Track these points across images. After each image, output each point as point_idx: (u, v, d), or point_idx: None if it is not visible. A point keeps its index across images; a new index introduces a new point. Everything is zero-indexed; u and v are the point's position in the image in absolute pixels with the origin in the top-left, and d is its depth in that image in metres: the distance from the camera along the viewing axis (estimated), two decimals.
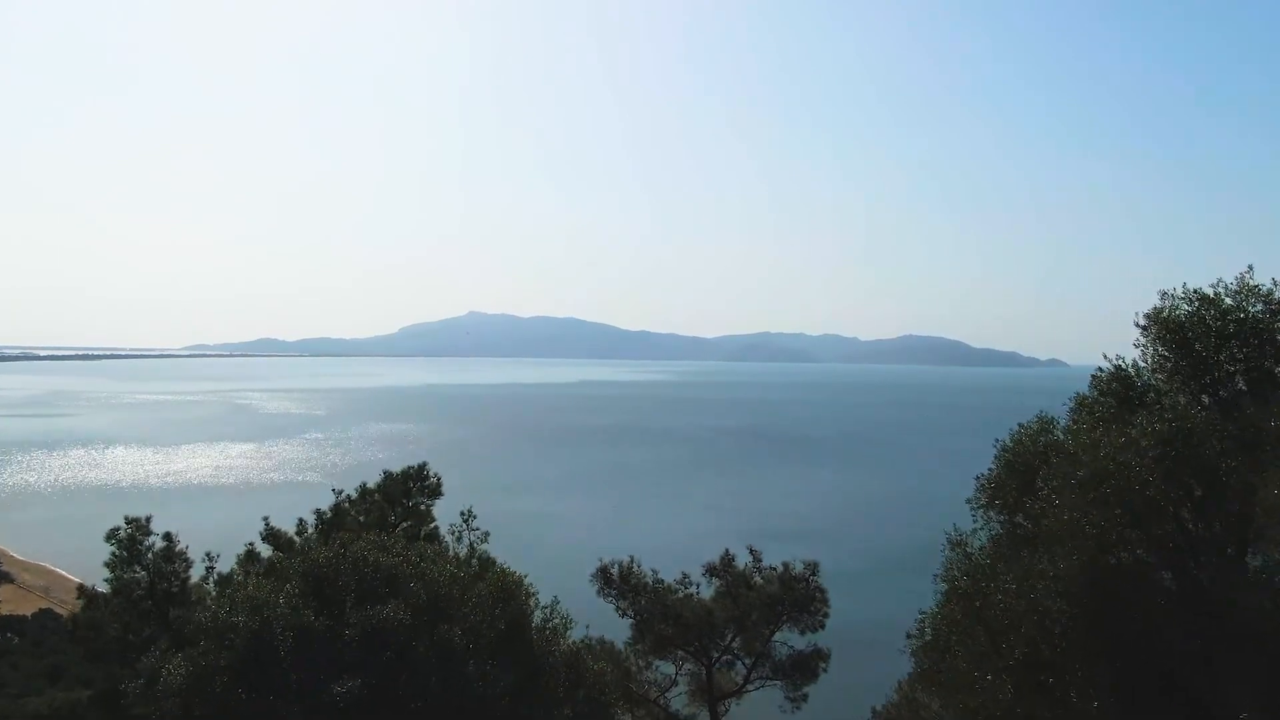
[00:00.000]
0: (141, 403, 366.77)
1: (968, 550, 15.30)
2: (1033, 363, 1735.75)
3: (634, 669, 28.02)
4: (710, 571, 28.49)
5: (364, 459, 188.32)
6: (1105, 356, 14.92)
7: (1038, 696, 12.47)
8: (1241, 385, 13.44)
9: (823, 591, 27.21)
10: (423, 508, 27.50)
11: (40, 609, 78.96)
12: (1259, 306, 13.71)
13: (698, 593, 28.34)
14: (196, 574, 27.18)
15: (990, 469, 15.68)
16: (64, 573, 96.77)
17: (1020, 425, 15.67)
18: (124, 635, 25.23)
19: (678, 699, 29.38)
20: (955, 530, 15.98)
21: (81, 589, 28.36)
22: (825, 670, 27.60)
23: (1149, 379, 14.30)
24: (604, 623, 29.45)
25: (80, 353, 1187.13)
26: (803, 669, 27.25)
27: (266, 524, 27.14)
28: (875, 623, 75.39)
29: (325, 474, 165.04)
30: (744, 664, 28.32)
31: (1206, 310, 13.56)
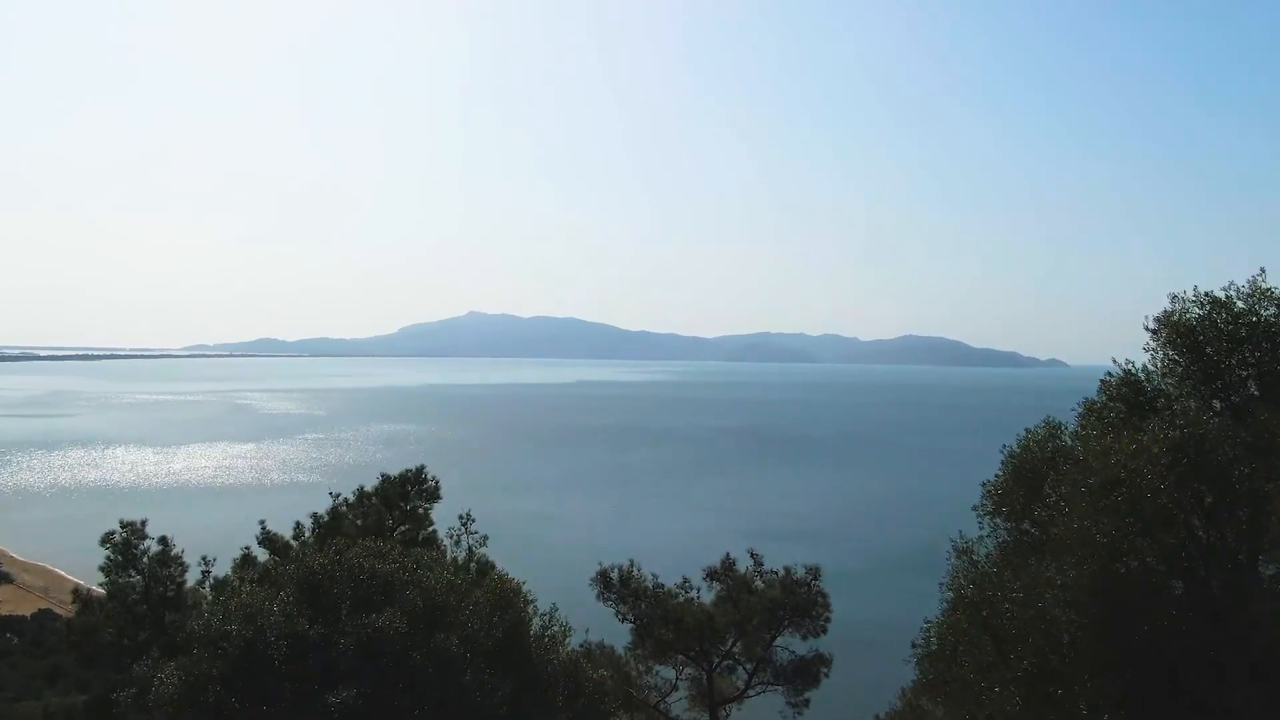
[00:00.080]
0: (141, 403, 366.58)
1: (974, 558, 15.04)
2: (1033, 363, 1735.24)
3: (634, 674, 27.77)
4: (711, 575, 28.23)
5: (364, 459, 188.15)
6: (1114, 361, 14.66)
7: (1046, 708, 12.21)
8: (1254, 390, 13.18)
9: (825, 596, 26.96)
10: (421, 511, 27.24)
11: (39, 609, 78.86)
12: (1271, 310, 13.42)
13: (698, 597, 28.07)
14: (193, 578, 26.95)
15: (997, 475, 15.40)
16: (63, 573, 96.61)
17: (1027, 430, 15.39)
18: (119, 640, 24.99)
19: (678, 704, 29.14)
20: (961, 537, 15.70)
21: (76, 593, 28.12)
22: (827, 675, 27.36)
23: (1159, 383, 14.05)
24: (604, 627, 29.22)
25: (80, 353, 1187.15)
26: (804, 674, 26.99)
27: (263, 527, 26.88)
28: (876, 623, 75.31)
29: (325, 474, 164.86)
30: (745, 669, 28.07)
31: (1218, 313, 13.29)
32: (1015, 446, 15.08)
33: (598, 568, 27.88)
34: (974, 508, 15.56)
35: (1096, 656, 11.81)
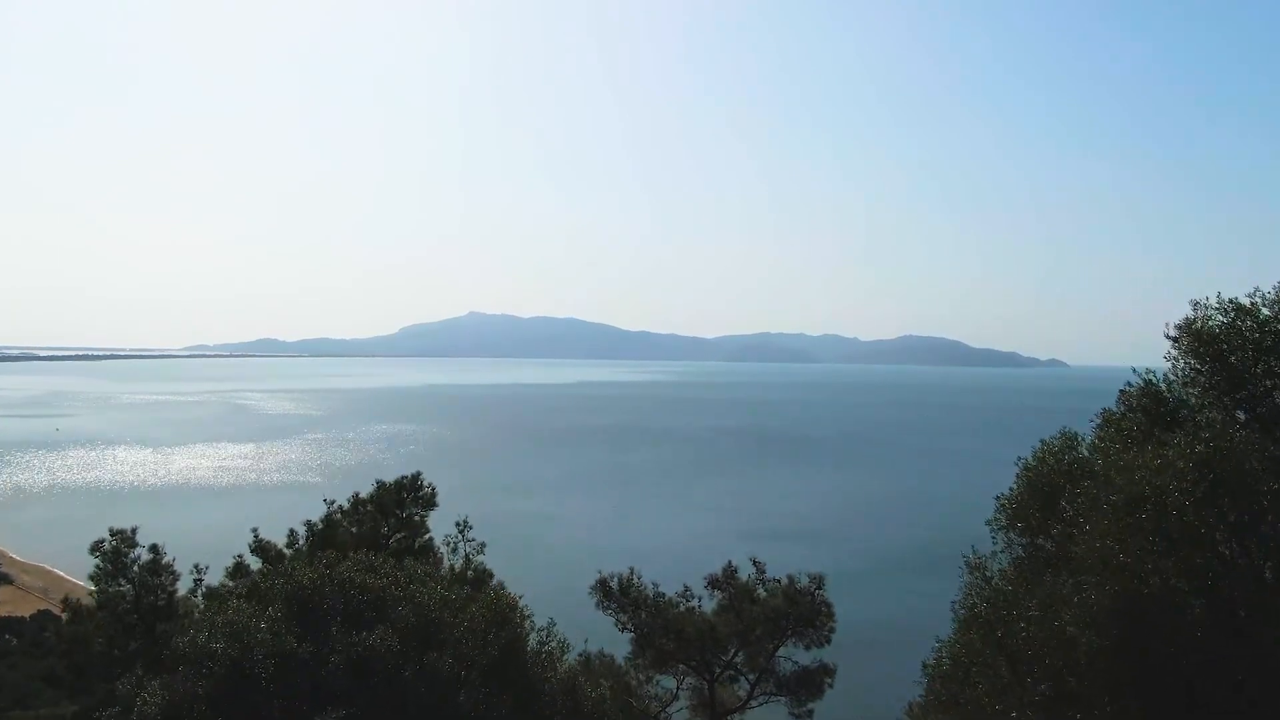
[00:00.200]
0: (141, 403, 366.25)
1: (987, 574, 14.54)
2: (1033, 363, 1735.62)
3: (635, 683, 27.27)
4: (712, 584, 27.72)
5: (364, 460, 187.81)
6: (1134, 370, 14.14)
7: None
8: None
9: (829, 606, 26.45)
10: (417, 518, 26.76)
11: (39, 610, 78.59)
12: None
13: (699, 606, 27.57)
14: (185, 585, 26.48)
15: (1011, 488, 14.89)
16: (62, 574, 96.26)
17: (1043, 441, 14.88)
18: (109, 650, 24.53)
19: (679, 714, 28.63)
20: (974, 553, 15.21)
21: (66, 601, 27.63)
22: (831, 686, 26.86)
23: (1180, 393, 13.55)
24: (604, 634, 28.74)
25: (80, 353, 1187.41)
26: (808, 685, 26.48)
27: (255, 536, 26.37)
28: (876, 623, 74.94)
29: (324, 475, 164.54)
30: (747, 679, 27.57)
31: (1242, 321, 12.80)
32: (1030, 459, 14.58)
33: (597, 576, 27.36)
34: (988, 522, 15.04)
35: (1116, 677, 11.32)
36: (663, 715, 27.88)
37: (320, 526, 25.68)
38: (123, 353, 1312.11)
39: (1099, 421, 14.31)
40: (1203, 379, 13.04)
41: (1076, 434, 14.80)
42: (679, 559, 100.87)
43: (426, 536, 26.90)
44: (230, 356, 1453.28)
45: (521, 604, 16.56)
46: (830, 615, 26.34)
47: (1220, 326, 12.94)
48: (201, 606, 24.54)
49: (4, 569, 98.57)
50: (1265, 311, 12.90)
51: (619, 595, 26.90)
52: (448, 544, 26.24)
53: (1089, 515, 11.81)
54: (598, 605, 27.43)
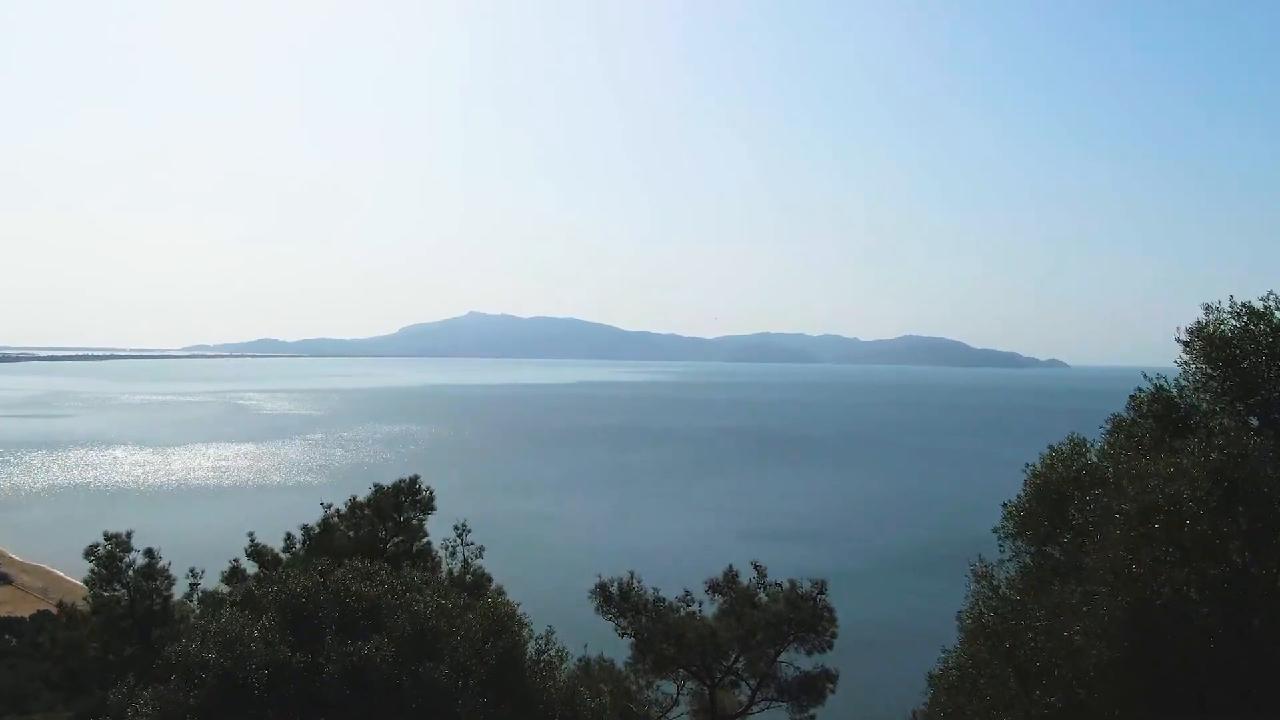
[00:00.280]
0: (141, 403, 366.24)
1: (994, 583, 14.29)
2: (1033, 363, 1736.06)
3: (634, 688, 27.04)
4: (713, 588, 27.48)
5: (363, 460, 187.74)
6: (1145, 375, 13.89)
7: None
8: None
9: (831, 611, 26.20)
10: (414, 522, 26.51)
11: (38, 610, 78.56)
12: None
13: (700, 611, 27.33)
14: (181, 590, 26.25)
15: (1019, 495, 14.64)
16: (62, 574, 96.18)
17: (1050, 448, 14.63)
18: (104, 655, 24.30)
19: (680, 719, 28.43)
20: (981, 561, 14.97)
21: (61, 606, 27.40)
22: (833, 692, 26.64)
23: (1192, 399, 13.31)
24: (604, 637, 28.53)
25: (80, 353, 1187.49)
26: (809, 691, 26.24)
27: (252, 540, 26.11)
28: (876, 623, 74.84)
29: (324, 476, 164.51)
30: (749, 685, 27.34)
31: (1255, 325, 12.55)
32: (1039, 465, 14.32)
33: (597, 580, 27.13)
34: (995, 530, 14.80)
35: (1128, 688, 11.07)
36: None
37: (317, 531, 25.43)
38: (122, 353, 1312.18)
39: (1108, 427, 14.07)
40: (1215, 384, 12.79)
41: (1085, 440, 14.55)
42: (679, 559, 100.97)
43: (424, 540, 26.65)
44: (230, 357, 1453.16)
45: (520, 611, 16.33)
46: (832, 620, 26.09)
47: (1233, 331, 12.69)
48: (197, 611, 24.32)
49: (3, 569, 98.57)
50: (1279, 315, 12.65)
51: (619, 600, 26.66)
52: (446, 548, 26.00)
53: (1100, 525, 11.57)
54: (597, 610, 27.20)
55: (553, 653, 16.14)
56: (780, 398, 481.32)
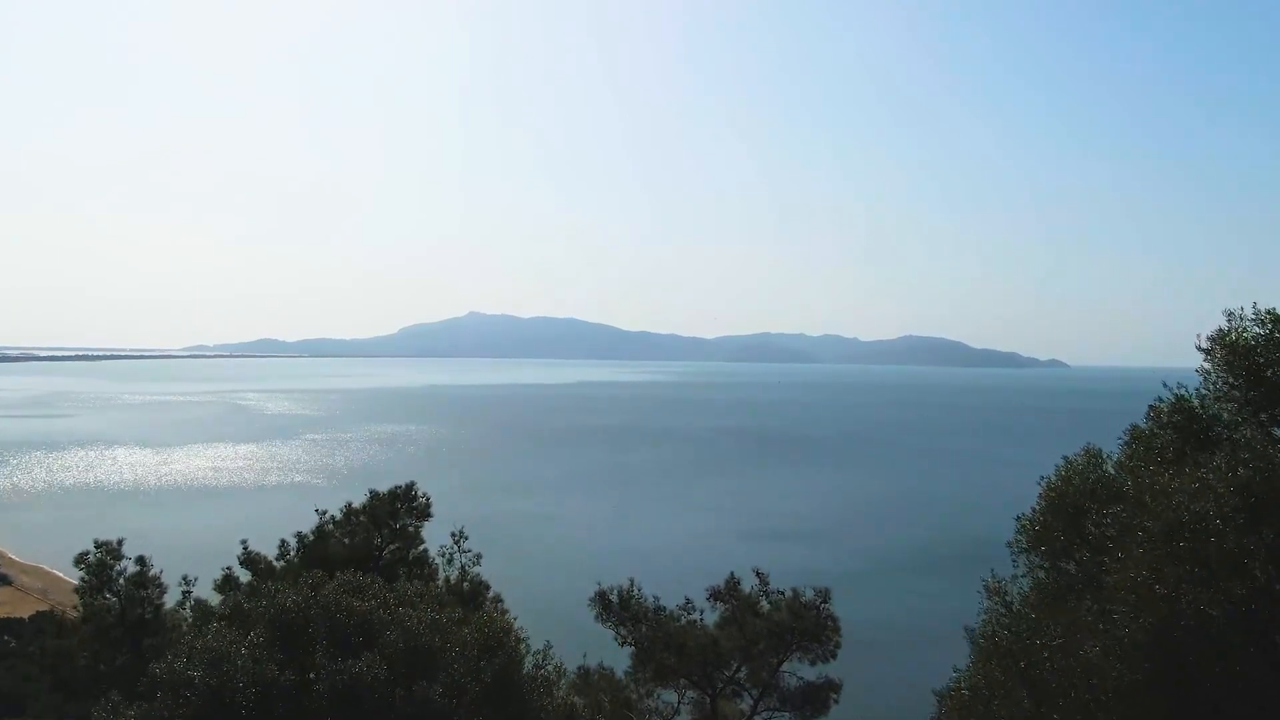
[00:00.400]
0: (141, 403, 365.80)
1: (1007, 599, 13.83)
2: (1033, 363, 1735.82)
3: (634, 697, 26.63)
4: (715, 596, 27.03)
5: (363, 461, 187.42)
6: (1164, 385, 13.42)
7: None
8: None
9: (835, 620, 25.74)
10: (411, 529, 26.05)
11: (38, 611, 78.31)
12: None
13: (701, 619, 26.88)
14: (174, 597, 25.80)
15: (1033, 508, 14.19)
16: (62, 575, 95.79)
17: (1066, 459, 14.18)
18: (95, 665, 23.87)
19: None
20: (993, 577, 14.52)
21: (52, 614, 26.98)
22: (837, 701, 26.21)
23: (1213, 409, 12.85)
24: (604, 642, 28.12)
25: (80, 353, 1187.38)
26: (813, 701, 25.80)
27: (245, 548, 25.65)
28: (877, 624, 74.51)
29: (324, 476, 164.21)
30: (750, 695, 26.91)
31: (1279, 332, 12.08)
32: (1054, 478, 13.85)
33: (597, 588, 26.69)
34: (1008, 544, 14.35)
35: (1148, 710, 10.63)
36: None
37: (311, 538, 24.98)
38: (122, 353, 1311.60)
39: (1126, 438, 13.61)
40: (1238, 394, 12.33)
41: (1100, 450, 14.10)
42: (679, 560, 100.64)
43: (421, 548, 26.18)
44: (230, 357, 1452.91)
45: (517, 623, 15.89)
46: (836, 630, 25.64)
47: (1256, 339, 12.24)
48: (190, 619, 23.90)
49: (3, 570, 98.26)
50: None
51: (619, 609, 26.22)
52: (443, 555, 25.57)
53: (1121, 542, 11.11)
54: (597, 618, 26.76)
55: (550, 668, 15.70)
56: (780, 398, 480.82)
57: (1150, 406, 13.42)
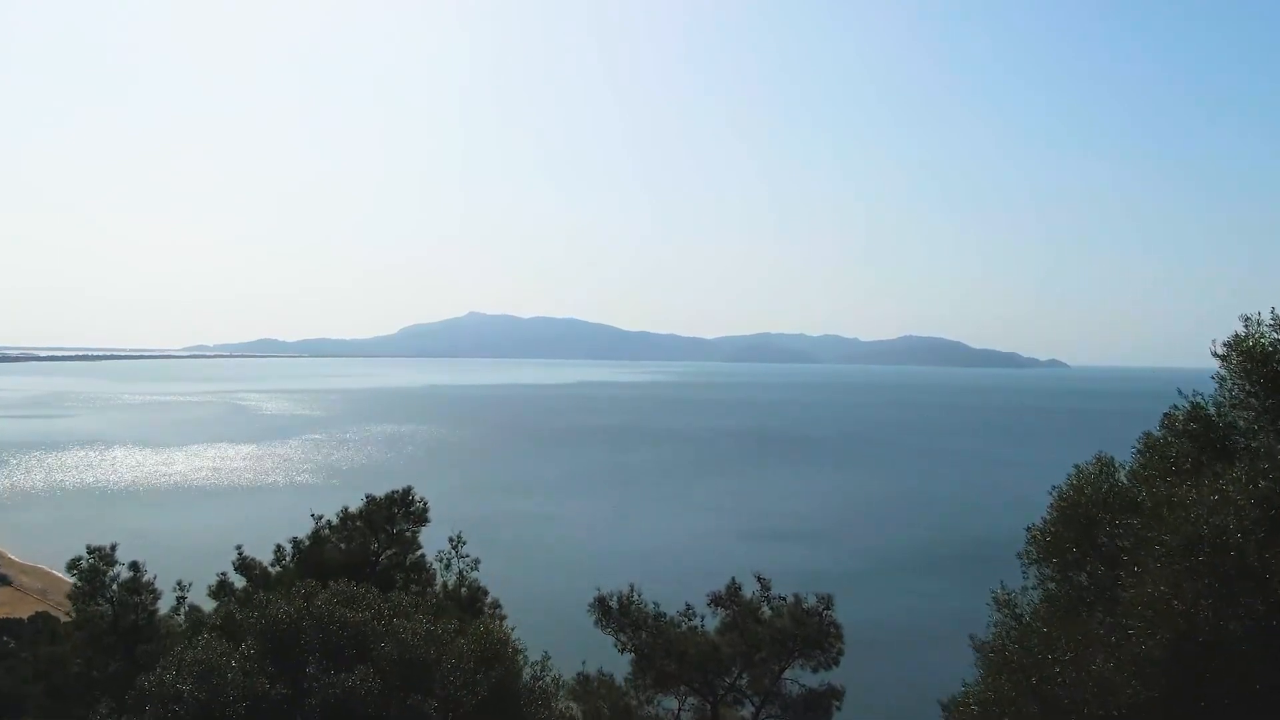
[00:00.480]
0: (141, 403, 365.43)
1: (1017, 611, 13.48)
2: (1033, 363, 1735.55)
3: (634, 704, 26.30)
4: (715, 601, 26.68)
5: (363, 461, 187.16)
6: (1180, 393, 13.08)
7: None
8: None
9: (838, 627, 25.39)
10: (408, 534, 25.71)
11: (37, 611, 78.09)
12: None
13: (702, 625, 26.54)
14: (168, 603, 25.48)
15: (1043, 518, 13.83)
16: (61, 575, 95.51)
17: (1077, 467, 13.81)
18: (87, 672, 23.54)
19: None
20: (1003, 589, 14.16)
21: (50, 616, 26.67)
22: (839, 709, 25.87)
23: (1229, 416, 12.50)
24: (603, 648, 27.80)
25: (80, 353, 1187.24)
26: (815, 708, 25.43)
27: (240, 553, 25.31)
28: (877, 624, 74.24)
29: (324, 476, 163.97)
30: (752, 702, 26.58)
31: None
32: (1065, 487, 13.48)
33: (596, 594, 26.34)
34: (1018, 555, 14.00)
35: None
36: None
37: (307, 544, 24.64)
38: (122, 353, 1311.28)
39: (1139, 447, 13.24)
40: (1255, 402, 11.98)
41: (1112, 459, 13.73)
42: (679, 560, 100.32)
43: (418, 553, 25.84)
44: (230, 357, 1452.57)
45: (515, 633, 15.55)
46: (839, 637, 25.29)
47: (1274, 344, 11.88)
48: (184, 625, 23.60)
49: (2, 570, 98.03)
50: None
51: (618, 615, 25.88)
52: (441, 560, 25.24)
53: (1137, 555, 10.76)
54: (596, 624, 26.42)
55: (548, 680, 15.35)
56: (780, 398, 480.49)
57: (1165, 414, 13.06)
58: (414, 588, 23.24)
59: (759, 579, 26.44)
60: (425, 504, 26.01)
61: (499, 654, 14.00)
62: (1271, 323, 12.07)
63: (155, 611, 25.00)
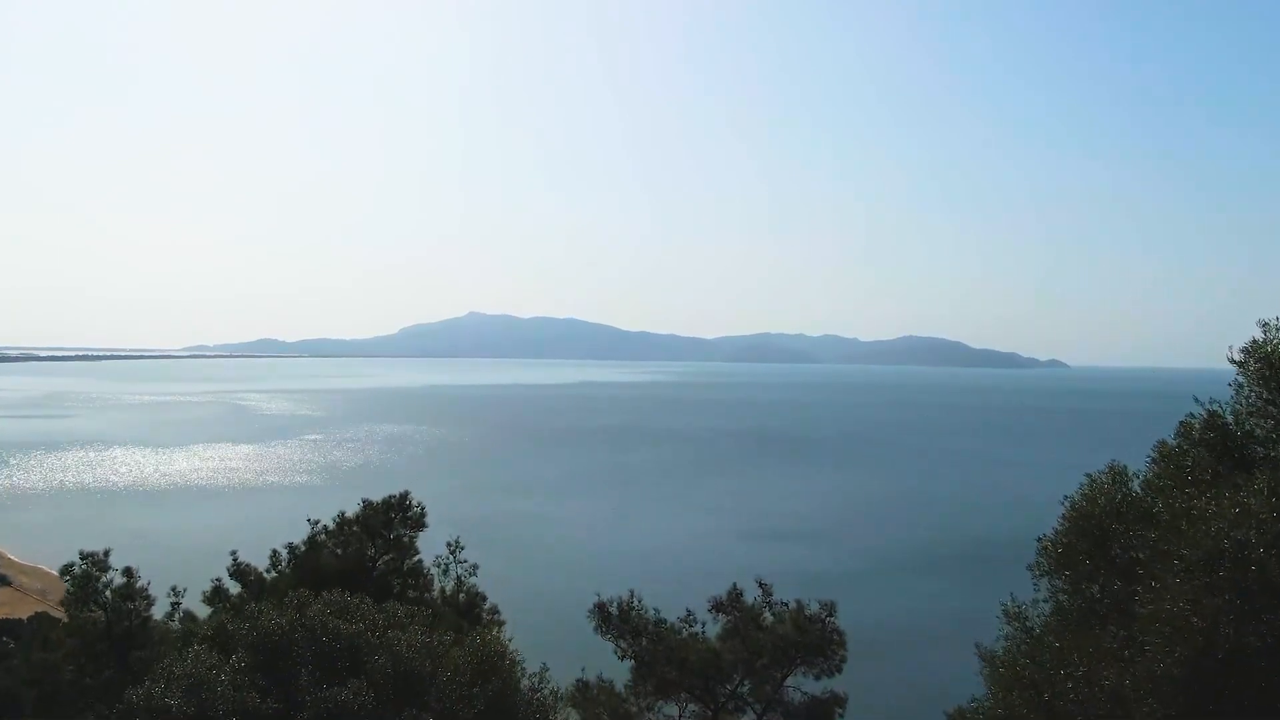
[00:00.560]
0: (141, 404, 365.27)
1: (1028, 624, 13.16)
2: (1032, 363, 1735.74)
3: (634, 711, 26.00)
4: (717, 607, 26.38)
5: (363, 461, 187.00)
6: (1196, 400, 12.75)
7: None
8: None
9: (840, 634, 25.08)
10: (405, 539, 25.41)
11: (37, 612, 77.78)
12: None
13: (703, 632, 26.23)
14: (162, 609, 25.19)
15: (1055, 529, 13.49)
16: None
17: (1089, 476, 13.48)
18: (80, 678, 23.24)
19: None
20: (1013, 601, 13.83)
21: (39, 621, 26.38)
22: (842, 715, 25.56)
23: (1247, 424, 12.17)
24: (603, 652, 27.52)
25: (80, 353, 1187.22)
26: (817, 715, 25.11)
27: (234, 559, 25.00)
28: (877, 624, 73.96)
29: (324, 476, 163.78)
30: (754, 709, 26.28)
31: None
32: (1078, 497, 13.14)
33: (595, 600, 26.04)
34: (1029, 567, 13.67)
35: None
36: None
37: (303, 549, 24.33)
38: (122, 353, 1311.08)
39: (1154, 455, 12.90)
40: (1274, 410, 11.65)
41: (1125, 468, 13.38)
42: (679, 560, 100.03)
43: (416, 558, 25.54)
44: (230, 357, 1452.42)
45: (512, 646, 15.23)
46: (842, 644, 24.98)
47: None
48: (178, 630, 23.30)
49: (2, 570, 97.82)
50: None
51: (618, 622, 25.57)
52: (438, 565, 24.94)
53: (1153, 569, 10.44)
54: (596, 630, 26.12)
55: (546, 692, 15.04)
56: (780, 398, 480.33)
57: (1181, 423, 12.72)
58: (411, 594, 22.93)
59: (760, 584, 26.14)
60: (423, 509, 25.71)
61: (496, 666, 13.69)
62: None
63: (149, 618, 24.71)
